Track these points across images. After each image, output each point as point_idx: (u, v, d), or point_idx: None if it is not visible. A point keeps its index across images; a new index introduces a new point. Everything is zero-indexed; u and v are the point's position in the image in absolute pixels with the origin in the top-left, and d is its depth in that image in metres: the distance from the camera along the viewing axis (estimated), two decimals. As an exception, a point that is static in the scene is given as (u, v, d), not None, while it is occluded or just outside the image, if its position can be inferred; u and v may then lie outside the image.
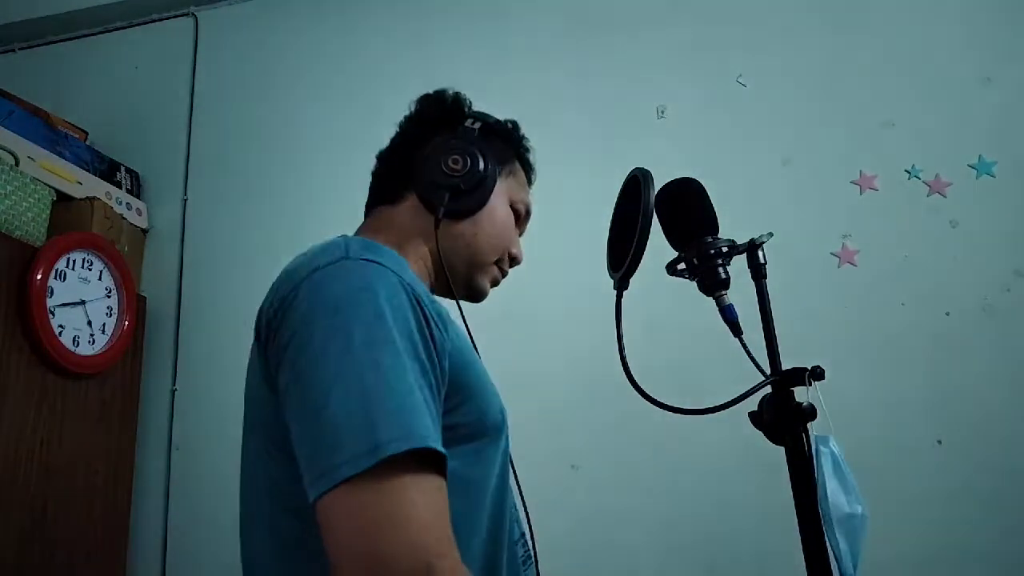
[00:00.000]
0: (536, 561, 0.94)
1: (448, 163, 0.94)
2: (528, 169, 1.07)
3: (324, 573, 0.66)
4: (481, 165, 0.94)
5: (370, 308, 0.71)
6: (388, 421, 0.66)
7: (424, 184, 0.94)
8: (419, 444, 0.66)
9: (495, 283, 1.03)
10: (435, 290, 0.99)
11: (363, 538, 0.63)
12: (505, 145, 1.02)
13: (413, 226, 0.95)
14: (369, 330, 0.70)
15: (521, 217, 1.04)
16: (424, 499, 0.66)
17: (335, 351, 0.69)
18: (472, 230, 0.96)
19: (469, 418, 0.80)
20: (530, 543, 0.94)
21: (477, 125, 0.97)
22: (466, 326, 0.93)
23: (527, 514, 0.97)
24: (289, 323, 0.74)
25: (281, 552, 0.79)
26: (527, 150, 1.07)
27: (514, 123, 1.06)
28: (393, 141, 1.03)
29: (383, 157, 1.02)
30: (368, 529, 0.64)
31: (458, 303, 0.99)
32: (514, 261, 1.04)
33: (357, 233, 0.97)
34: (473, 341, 0.92)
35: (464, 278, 0.99)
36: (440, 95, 1.03)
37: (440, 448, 0.68)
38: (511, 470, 0.93)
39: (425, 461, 0.67)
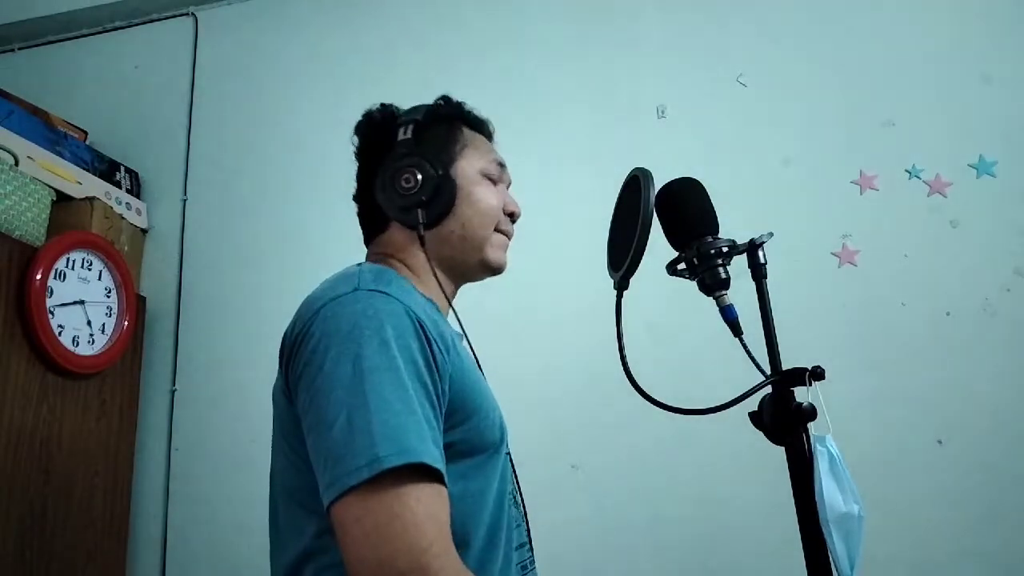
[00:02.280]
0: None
1: (401, 184, 0.97)
2: (480, 128, 1.08)
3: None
4: (431, 169, 0.97)
5: (376, 336, 0.79)
6: (387, 437, 0.74)
7: (395, 212, 0.99)
8: (414, 459, 0.73)
9: (505, 246, 1.06)
10: (453, 285, 1.04)
11: (366, 541, 0.71)
12: (448, 125, 1.04)
13: (410, 242, 1.00)
14: (374, 356, 0.78)
15: (496, 177, 1.05)
16: (420, 506, 0.73)
17: (344, 375, 0.77)
18: (458, 222, 1.00)
19: (468, 435, 0.86)
20: (531, 550, 0.98)
21: (410, 130, 1.00)
22: (470, 345, 0.99)
23: (527, 518, 0.99)
24: (306, 348, 0.82)
25: None
26: (468, 113, 1.08)
27: (444, 98, 1.07)
28: (357, 179, 1.06)
29: (356, 198, 1.06)
30: (370, 533, 0.71)
31: (459, 320, 1.03)
32: (513, 216, 1.07)
33: (367, 261, 1.03)
34: (477, 359, 0.99)
35: (478, 262, 1.02)
36: (368, 118, 1.06)
37: (433, 462, 0.75)
38: (513, 481, 0.97)
39: (422, 472, 0.74)
